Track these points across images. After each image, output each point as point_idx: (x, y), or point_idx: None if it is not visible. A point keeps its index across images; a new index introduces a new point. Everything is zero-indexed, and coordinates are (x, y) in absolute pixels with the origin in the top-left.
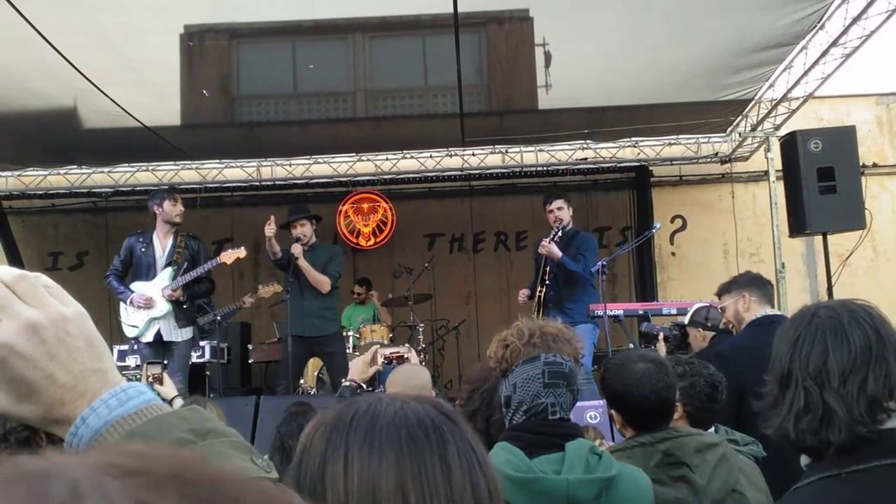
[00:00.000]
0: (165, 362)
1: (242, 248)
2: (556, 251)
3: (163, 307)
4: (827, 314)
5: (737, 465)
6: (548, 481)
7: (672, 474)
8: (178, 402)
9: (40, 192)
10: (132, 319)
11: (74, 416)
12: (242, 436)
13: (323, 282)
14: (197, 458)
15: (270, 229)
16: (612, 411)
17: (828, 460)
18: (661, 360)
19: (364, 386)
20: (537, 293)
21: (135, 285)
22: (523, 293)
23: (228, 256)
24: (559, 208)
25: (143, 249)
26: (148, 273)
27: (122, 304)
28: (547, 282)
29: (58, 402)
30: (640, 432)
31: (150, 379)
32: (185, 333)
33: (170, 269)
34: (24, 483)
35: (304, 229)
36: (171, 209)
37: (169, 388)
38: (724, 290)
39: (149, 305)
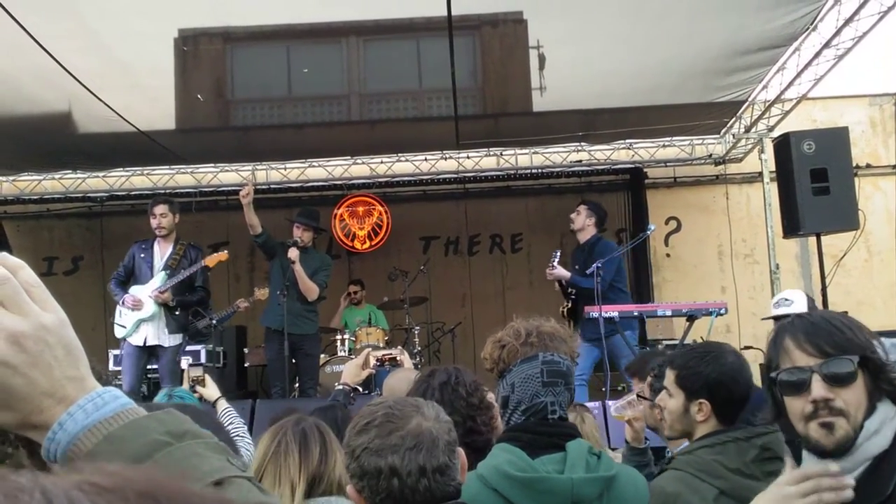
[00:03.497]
0: (204, 364)
1: (225, 251)
2: (562, 273)
3: (150, 308)
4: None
5: None
6: (553, 480)
7: (766, 469)
8: (223, 404)
9: (35, 197)
10: (122, 320)
11: (52, 421)
12: None
13: (312, 290)
14: (173, 480)
15: (246, 196)
16: (701, 401)
17: None
18: (740, 352)
19: (360, 389)
20: (563, 308)
21: (132, 289)
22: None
23: (211, 259)
24: (576, 213)
25: (142, 255)
26: (146, 278)
27: (117, 306)
28: (573, 296)
29: (36, 409)
30: (727, 425)
31: (192, 381)
32: (173, 339)
33: (163, 273)
34: (3, 492)
35: (306, 235)
36: (152, 222)
37: (212, 389)
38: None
39: (137, 307)
